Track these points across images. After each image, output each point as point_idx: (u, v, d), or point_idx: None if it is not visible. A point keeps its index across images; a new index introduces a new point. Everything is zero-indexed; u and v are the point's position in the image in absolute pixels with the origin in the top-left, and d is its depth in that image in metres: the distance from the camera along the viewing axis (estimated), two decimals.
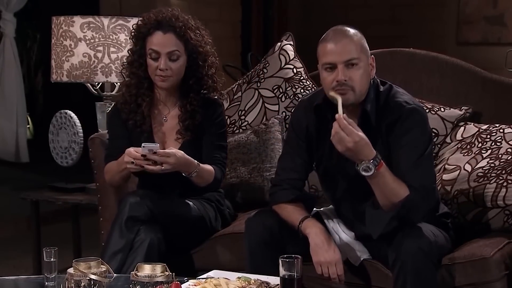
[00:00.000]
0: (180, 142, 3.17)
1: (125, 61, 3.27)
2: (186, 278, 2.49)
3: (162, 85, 3.14)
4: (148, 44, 3.12)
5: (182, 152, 3.02)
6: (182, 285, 2.41)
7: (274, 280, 2.42)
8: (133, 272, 2.44)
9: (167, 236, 3.03)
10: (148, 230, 2.96)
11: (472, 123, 3.27)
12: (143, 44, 3.13)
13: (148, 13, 3.17)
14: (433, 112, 3.28)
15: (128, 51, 3.26)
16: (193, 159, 3.04)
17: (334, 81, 2.66)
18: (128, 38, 3.69)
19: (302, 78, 3.64)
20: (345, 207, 2.87)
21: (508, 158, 3.06)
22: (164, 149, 3.07)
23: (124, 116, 3.18)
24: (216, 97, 3.24)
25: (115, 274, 2.56)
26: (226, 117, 3.58)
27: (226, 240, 3.15)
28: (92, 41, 3.73)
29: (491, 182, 3.02)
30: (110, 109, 3.33)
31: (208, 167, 3.12)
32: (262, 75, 3.68)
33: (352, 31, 2.72)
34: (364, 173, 2.59)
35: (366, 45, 2.74)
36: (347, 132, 2.56)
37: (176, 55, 3.10)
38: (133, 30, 3.21)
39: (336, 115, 2.59)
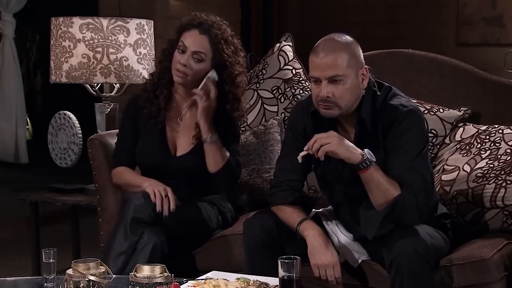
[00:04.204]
0: (194, 144, 3.18)
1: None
2: (185, 279, 2.49)
3: (177, 80, 3.15)
4: (182, 37, 3.15)
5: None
6: (181, 286, 2.41)
7: (273, 281, 2.42)
8: (132, 273, 2.44)
9: (169, 238, 3.03)
10: (152, 232, 2.96)
11: (471, 124, 3.28)
12: (178, 37, 3.17)
13: (196, 14, 3.22)
14: (432, 113, 3.28)
15: (166, 39, 3.27)
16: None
17: (319, 96, 2.67)
18: (126, 39, 3.70)
19: (301, 79, 3.64)
20: (343, 210, 2.87)
21: (507, 159, 3.06)
22: (175, 145, 3.18)
23: (141, 103, 3.21)
24: (235, 115, 3.22)
25: (114, 275, 2.56)
26: None
27: (225, 241, 3.15)
28: (91, 42, 3.73)
29: (490, 182, 3.02)
30: (128, 100, 3.32)
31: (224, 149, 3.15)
32: (261, 76, 3.68)
33: (343, 42, 2.69)
34: (372, 158, 2.60)
35: (359, 55, 2.71)
36: (321, 136, 2.60)
37: (201, 57, 3.12)
38: (177, 25, 3.23)
39: (303, 154, 2.65)
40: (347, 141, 2.62)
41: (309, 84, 3.60)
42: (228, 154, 3.15)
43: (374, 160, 2.62)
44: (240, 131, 3.39)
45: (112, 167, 3.27)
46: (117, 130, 3.36)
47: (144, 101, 3.20)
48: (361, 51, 2.73)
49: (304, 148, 2.65)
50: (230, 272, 2.63)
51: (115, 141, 3.32)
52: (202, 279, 2.49)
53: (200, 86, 3.08)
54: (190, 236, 3.13)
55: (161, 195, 3.00)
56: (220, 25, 3.18)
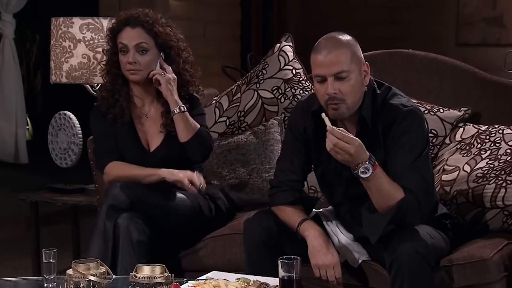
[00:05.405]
0: (163, 132, 3.20)
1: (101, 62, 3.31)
2: (185, 279, 2.49)
3: (133, 78, 3.18)
4: (118, 40, 3.18)
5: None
6: (181, 286, 2.41)
7: (273, 281, 2.42)
8: (132, 274, 2.44)
9: (158, 232, 3.05)
10: (125, 216, 2.99)
11: (471, 124, 3.28)
12: (115, 42, 3.20)
13: (120, 13, 3.25)
14: (433, 113, 3.28)
15: (102, 51, 3.28)
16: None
17: (325, 94, 2.66)
18: None
19: (301, 79, 3.64)
20: (343, 210, 2.87)
21: (507, 159, 3.06)
22: (147, 141, 3.20)
23: (103, 110, 3.22)
24: (193, 92, 3.28)
25: (114, 275, 2.56)
26: (226, 118, 3.59)
27: (225, 240, 3.15)
28: (91, 42, 3.73)
29: (490, 182, 3.02)
30: (91, 112, 3.34)
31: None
32: (261, 76, 3.68)
33: (344, 39, 2.69)
34: (362, 176, 2.57)
35: (359, 53, 2.71)
36: (346, 140, 2.54)
37: (144, 48, 3.15)
38: (107, 32, 3.28)
39: (328, 128, 2.57)
40: (360, 158, 2.56)
41: (309, 84, 3.59)
42: (198, 125, 3.18)
43: (368, 174, 2.56)
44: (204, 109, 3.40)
45: (101, 167, 3.22)
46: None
47: (106, 108, 3.22)
48: (360, 49, 2.73)
49: (328, 128, 2.57)
50: (230, 272, 2.63)
51: (94, 145, 3.31)
52: (202, 279, 2.49)
53: (157, 67, 3.16)
54: (178, 224, 3.12)
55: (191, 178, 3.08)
56: (145, 12, 3.20)
